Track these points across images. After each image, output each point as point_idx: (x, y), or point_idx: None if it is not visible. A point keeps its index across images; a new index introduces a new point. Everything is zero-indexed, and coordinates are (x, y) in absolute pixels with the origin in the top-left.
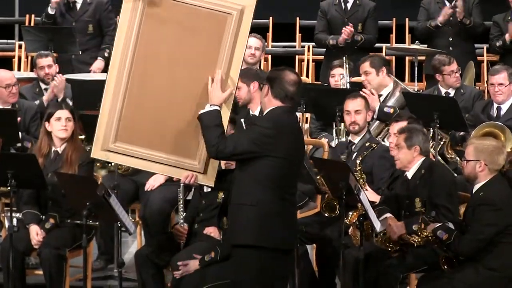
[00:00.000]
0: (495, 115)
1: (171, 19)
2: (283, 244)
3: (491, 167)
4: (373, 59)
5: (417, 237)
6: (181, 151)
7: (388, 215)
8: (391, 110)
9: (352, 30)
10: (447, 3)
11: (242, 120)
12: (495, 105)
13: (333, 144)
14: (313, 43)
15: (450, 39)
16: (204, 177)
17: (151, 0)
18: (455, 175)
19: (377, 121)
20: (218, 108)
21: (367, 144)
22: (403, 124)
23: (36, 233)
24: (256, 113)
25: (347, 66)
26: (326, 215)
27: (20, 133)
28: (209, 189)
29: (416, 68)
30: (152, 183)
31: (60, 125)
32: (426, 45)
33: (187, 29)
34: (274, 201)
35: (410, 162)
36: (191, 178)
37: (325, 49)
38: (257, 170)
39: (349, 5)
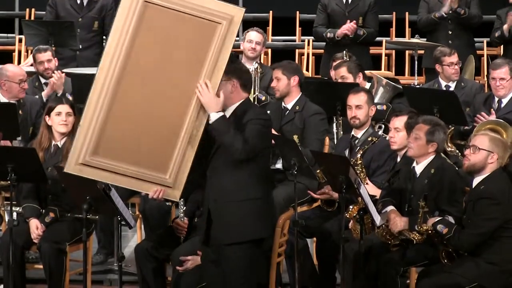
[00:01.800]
0: (496, 108)
1: (160, 26)
2: (272, 231)
3: (499, 161)
4: (350, 64)
5: (417, 234)
6: (154, 165)
7: (391, 207)
8: (384, 107)
9: (355, 26)
10: None
11: (269, 112)
12: (496, 98)
13: (334, 138)
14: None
15: (450, 32)
16: (172, 191)
17: (145, 5)
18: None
19: None
20: (222, 113)
21: (369, 139)
22: (404, 118)
23: (36, 227)
24: (289, 106)
25: (347, 59)
26: (325, 208)
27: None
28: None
29: (416, 62)
30: None
31: (60, 119)
32: (425, 39)
33: (174, 38)
34: (270, 192)
35: (423, 156)
36: (159, 193)
37: (325, 43)
38: (260, 164)
39: None
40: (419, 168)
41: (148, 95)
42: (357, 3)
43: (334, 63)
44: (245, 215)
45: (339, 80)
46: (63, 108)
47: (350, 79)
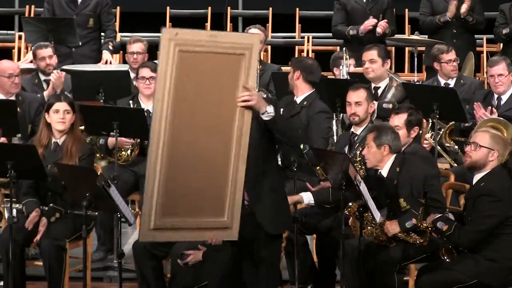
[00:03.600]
0: (495, 105)
1: (195, 69)
2: None
3: (500, 158)
4: (380, 49)
5: (417, 236)
6: (213, 210)
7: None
8: (390, 106)
9: (387, 25)
10: None
11: (282, 109)
12: (495, 96)
13: (334, 135)
14: (313, 34)
15: (454, 31)
16: (230, 231)
17: (180, 54)
18: (455, 164)
19: None
20: (272, 107)
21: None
22: (403, 116)
23: (36, 218)
24: (298, 100)
25: (347, 57)
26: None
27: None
28: None
29: (415, 59)
30: None
31: (58, 117)
32: (425, 36)
33: (209, 77)
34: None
35: (381, 161)
36: (215, 239)
37: (342, 40)
38: (275, 155)
39: None
40: (384, 171)
41: (197, 140)
42: (377, 0)
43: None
44: (279, 205)
45: (367, 63)
46: (61, 106)
47: (378, 63)
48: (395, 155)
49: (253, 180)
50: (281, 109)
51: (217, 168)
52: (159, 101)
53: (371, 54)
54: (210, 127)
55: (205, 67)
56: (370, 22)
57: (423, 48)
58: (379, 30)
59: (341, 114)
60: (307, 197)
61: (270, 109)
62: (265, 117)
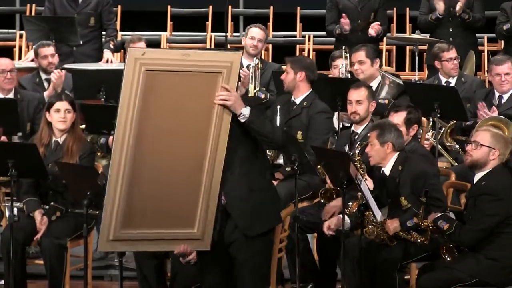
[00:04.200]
0: (496, 103)
1: (165, 88)
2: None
3: (501, 157)
4: (368, 49)
5: (418, 235)
6: (181, 221)
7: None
8: (386, 101)
9: (380, 27)
10: None
11: (279, 106)
12: (497, 94)
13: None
14: (314, 33)
15: (451, 29)
16: (201, 242)
17: (147, 74)
18: (456, 163)
19: None
20: (248, 109)
21: (368, 134)
22: (402, 114)
23: (41, 219)
24: (297, 101)
25: (347, 55)
26: (325, 202)
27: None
28: None
29: (416, 58)
30: None
31: (59, 116)
32: (426, 35)
33: (181, 95)
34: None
35: (384, 159)
36: (185, 248)
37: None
38: (264, 157)
39: None
40: (387, 170)
41: (165, 154)
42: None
43: (333, 62)
44: (260, 205)
45: (356, 65)
46: (62, 105)
47: (367, 63)
48: (398, 153)
49: (232, 182)
50: (278, 107)
51: (188, 178)
52: (121, 124)
53: (360, 55)
54: (180, 139)
55: (177, 85)
56: (345, 21)
57: (424, 47)
58: (372, 32)
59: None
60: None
61: (246, 111)
62: (241, 119)
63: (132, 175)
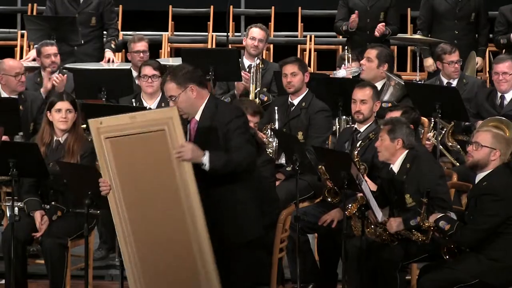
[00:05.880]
0: (498, 103)
1: (127, 153)
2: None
3: (502, 158)
4: (382, 51)
5: (420, 234)
6: (187, 283)
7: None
8: (389, 105)
9: (384, 28)
10: None
11: (276, 108)
12: (499, 94)
13: (337, 134)
14: (315, 33)
15: (456, 32)
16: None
17: (109, 141)
18: (457, 163)
19: None
20: (206, 154)
21: (371, 134)
22: (397, 114)
23: (41, 219)
24: (295, 102)
25: (349, 56)
26: (329, 200)
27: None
28: None
29: (418, 58)
30: None
31: (60, 116)
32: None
33: (144, 157)
34: (257, 196)
35: (393, 155)
36: None
37: (345, 38)
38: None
39: None
40: (395, 167)
41: (152, 219)
42: None
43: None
44: (241, 217)
45: (364, 60)
46: (63, 105)
47: (374, 63)
48: (407, 150)
49: (216, 200)
50: (276, 109)
51: (181, 245)
52: (111, 198)
53: (371, 52)
54: (158, 198)
55: (135, 147)
56: (354, 17)
57: (426, 48)
58: (376, 33)
59: (343, 117)
60: None
61: (205, 160)
62: (204, 168)
63: (138, 248)
